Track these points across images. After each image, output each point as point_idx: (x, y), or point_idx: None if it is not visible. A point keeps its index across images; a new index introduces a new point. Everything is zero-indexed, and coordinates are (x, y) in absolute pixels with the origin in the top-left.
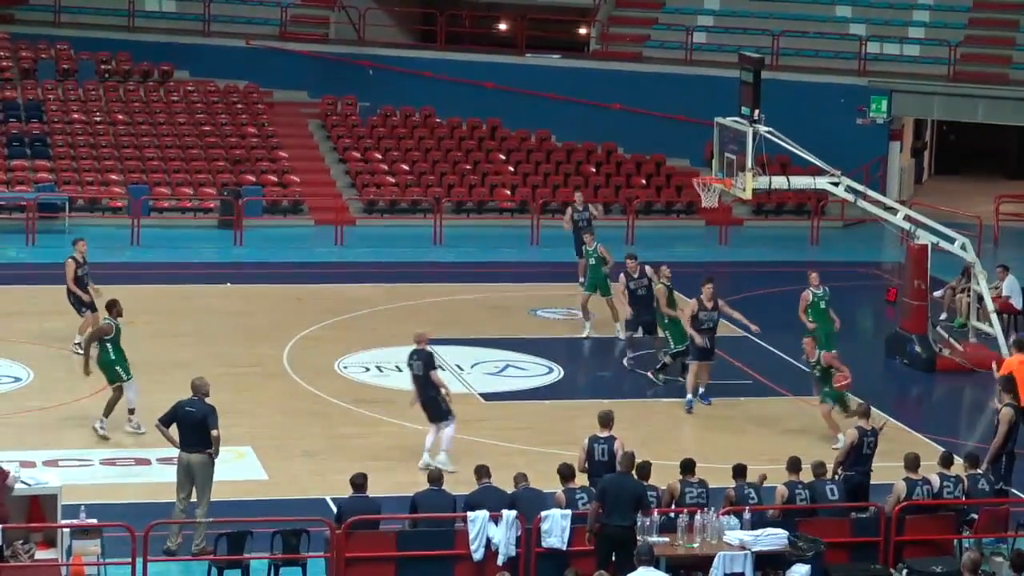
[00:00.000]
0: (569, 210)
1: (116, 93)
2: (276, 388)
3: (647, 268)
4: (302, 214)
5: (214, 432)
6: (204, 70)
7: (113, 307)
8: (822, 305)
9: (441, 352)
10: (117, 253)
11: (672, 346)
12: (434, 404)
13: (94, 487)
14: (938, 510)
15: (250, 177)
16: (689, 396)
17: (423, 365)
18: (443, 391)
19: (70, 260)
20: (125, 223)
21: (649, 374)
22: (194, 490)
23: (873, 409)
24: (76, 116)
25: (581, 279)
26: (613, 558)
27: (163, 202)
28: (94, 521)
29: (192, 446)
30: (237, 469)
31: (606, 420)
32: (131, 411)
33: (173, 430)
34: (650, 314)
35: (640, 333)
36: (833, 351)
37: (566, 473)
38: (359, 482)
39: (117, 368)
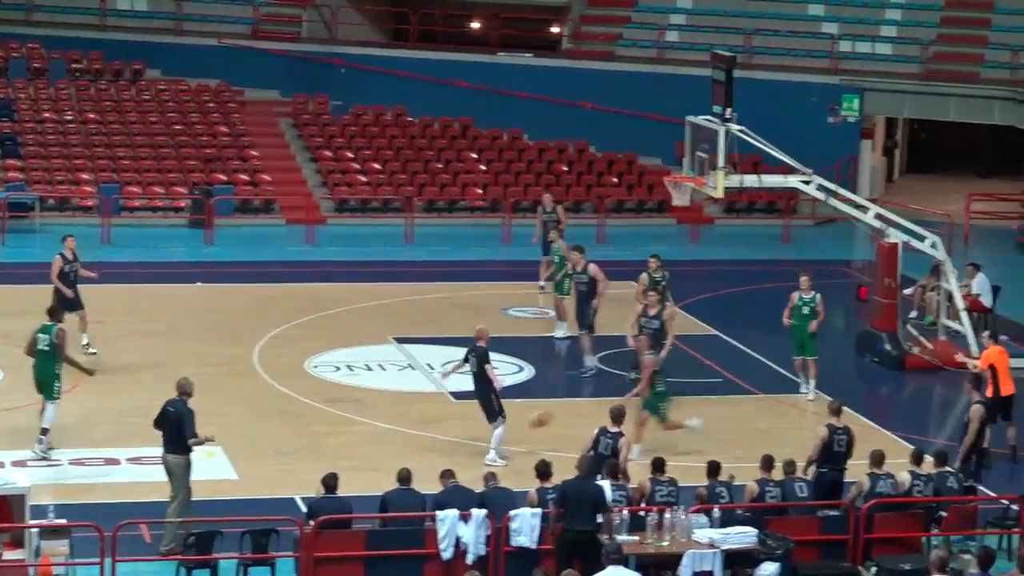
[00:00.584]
0: (539, 210)
1: (87, 92)
2: (246, 387)
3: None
4: (273, 213)
5: (189, 441)
6: (176, 69)
7: (54, 314)
8: (805, 311)
9: (412, 351)
10: (88, 252)
11: None
12: (486, 403)
13: (63, 487)
14: (907, 508)
15: (221, 176)
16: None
17: (477, 361)
18: (494, 388)
19: (57, 256)
20: (96, 222)
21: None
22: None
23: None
24: (47, 115)
25: (542, 283)
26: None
27: (134, 201)
28: (63, 521)
29: (168, 445)
30: (207, 469)
31: (617, 416)
32: (44, 431)
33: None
34: None
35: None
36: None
37: (543, 471)
38: (331, 483)
39: (57, 385)
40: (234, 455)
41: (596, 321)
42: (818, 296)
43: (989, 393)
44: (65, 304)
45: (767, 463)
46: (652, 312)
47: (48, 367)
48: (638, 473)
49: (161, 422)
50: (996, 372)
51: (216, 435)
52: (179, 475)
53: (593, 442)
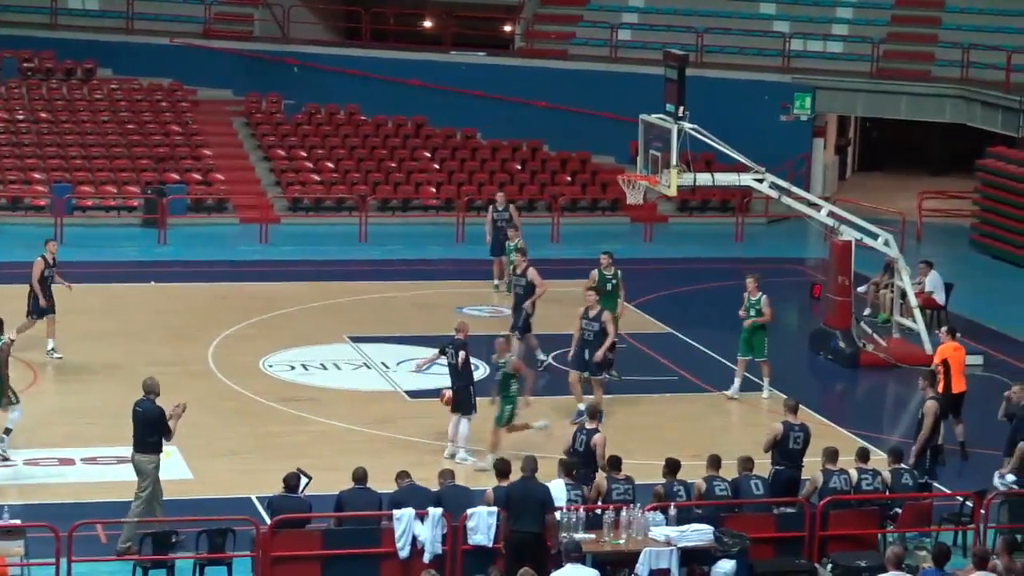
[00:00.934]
0: (490, 209)
1: (39, 91)
2: (201, 387)
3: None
4: (227, 212)
5: (167, 439)
6: (127, 68)
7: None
8: (751, 312)
9: (367, 350)
10: (40, 252)
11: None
12: (463, 395)
13: (17, 487)
14: (862, 505)
15: (174, 175)
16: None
17: (455, 353)
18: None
19: (39, 259)
20: (48, 222)
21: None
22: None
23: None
24: None
25: (496, 282)
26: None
27: (87, 201)
28: (17, 522)
29: (137, 446)
30: (162, 468)
31: (593, 413)
32: (7, 431)
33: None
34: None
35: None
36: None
37: (502, 469)
38: (293, 483)
39: (10, 393)
40: (189, 455)
41: (531, 323)
42: (764, 298)
43: (940, 389)
44: (38, 309)
45: (714, 462)
46: (592, 313)
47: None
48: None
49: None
50: (949, 368)
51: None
52: (150, 474)
53: (572, 440)
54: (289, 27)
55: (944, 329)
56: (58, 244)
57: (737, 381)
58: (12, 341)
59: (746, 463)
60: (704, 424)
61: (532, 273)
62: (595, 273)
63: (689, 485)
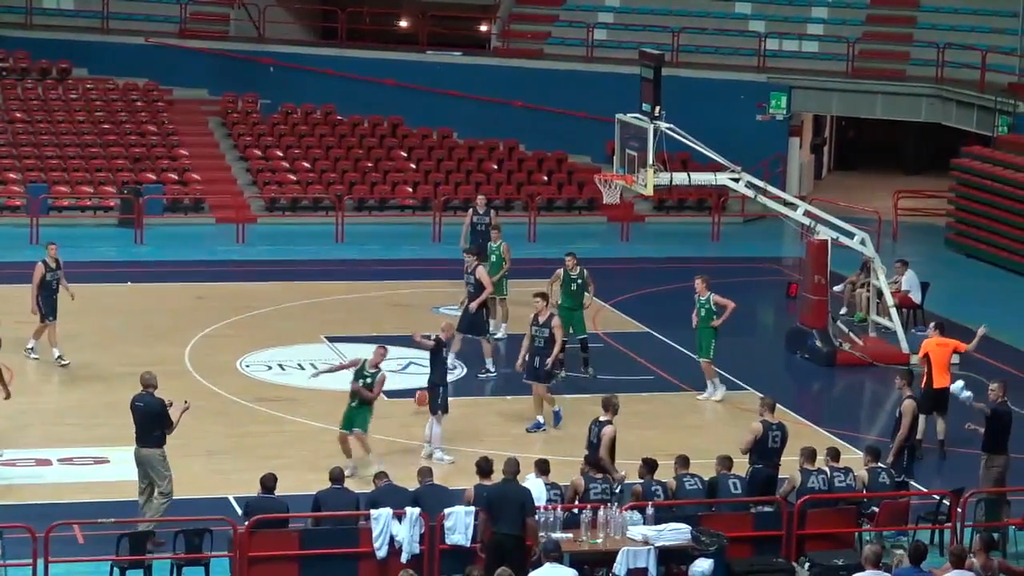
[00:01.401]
0: (469, 212)
1: (14, 91)
2: (178, 387)
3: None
4: (203, 212)
5: (169, 432)
6: (103, 68)
7: None
8: (702, 312)
9: (343, 349)
10: (16, 252)
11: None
12: (433, 394)
13: None
14: (839, 503)
15: (150, 175)
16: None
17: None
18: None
19: (39, 263)
20: (24, 222)
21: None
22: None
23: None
24: None
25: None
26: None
27: (63, 201)
28: None
29: (139, 440)
30: None
31: (607, 404)
32: None
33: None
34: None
35: None
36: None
37: (484, 468)
38: (269, 483)
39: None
40: (167, 455)
41: (475, 324)
42: (712, 296)
43: (923, 383)
44: (50, 311)
45: (683, 462)
46: (541, 319)
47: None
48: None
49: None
50: (931, 363)
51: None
52: (157, 468)
53: (588, 432)
54: (265, 27)
55: (932, 324)
56: (58, 247)
57: (710, 381)
58: None
59: (725, 462)
60: (681, 423)
61: (480, 272)
62: (560, 272)
63: (663, 484)
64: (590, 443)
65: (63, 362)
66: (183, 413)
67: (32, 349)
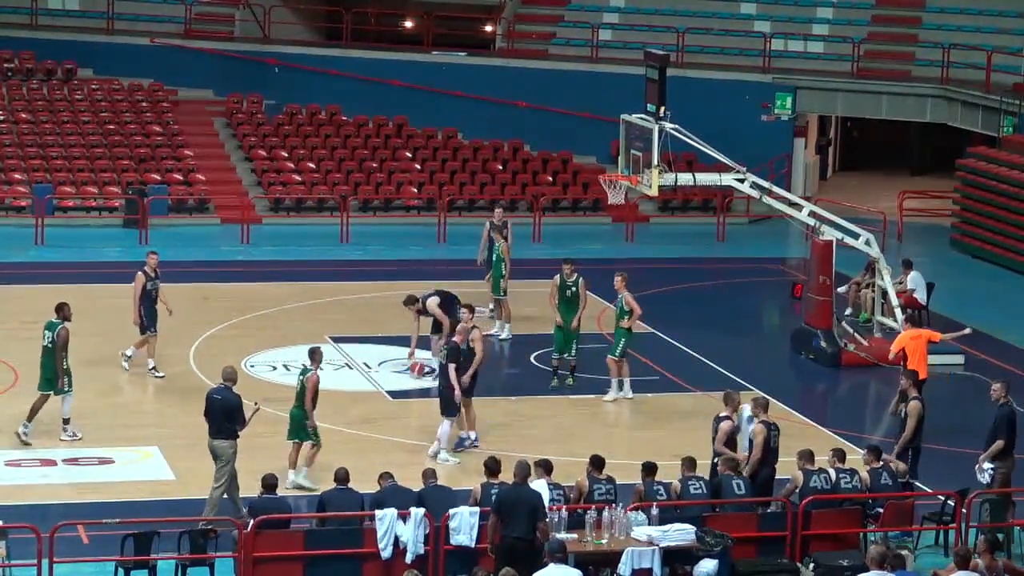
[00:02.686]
0: (487, 224)
1: (19, 92)
2: (182, 388)
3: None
4: (208, 213)
5: (240, 429)
6: (108, 68)
7: (62, 310)
8: (616, 310)
9: (349, 350)
10: (21, 253)
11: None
12: (442, 397)
13: None
14: (843, 504)
15: (155, 176)
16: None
17: (446, 356)
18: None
19: (140, 273)
20: (29, 223)
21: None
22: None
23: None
24: None
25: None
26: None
27: (68, 201)
28: None
29: (213, 432)
30: (144, 469)
31: (726, 399)
32: (66, 421)
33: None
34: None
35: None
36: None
37: (492, 467)
38: (271, 483)
39: (66, 378)
40: (171, 455)
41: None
42: (625, 296)
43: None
44: (151, 323)
45: (690, 463)
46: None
47: (48, 363)
48: None
49: (208, 410)
50: (907, 356)
51: (154, 436)
52: (229, 458)
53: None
54: (270, 27)
55: (904, 317)
56: (158, 256)
57: (620, 380)
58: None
59: (731, 462)
60: (686, 423)
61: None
62: (557, 279)
63: (668, 485)
64: (713, 438)
65: (157, 374)
66: (253, 415)
67: (155, 368)
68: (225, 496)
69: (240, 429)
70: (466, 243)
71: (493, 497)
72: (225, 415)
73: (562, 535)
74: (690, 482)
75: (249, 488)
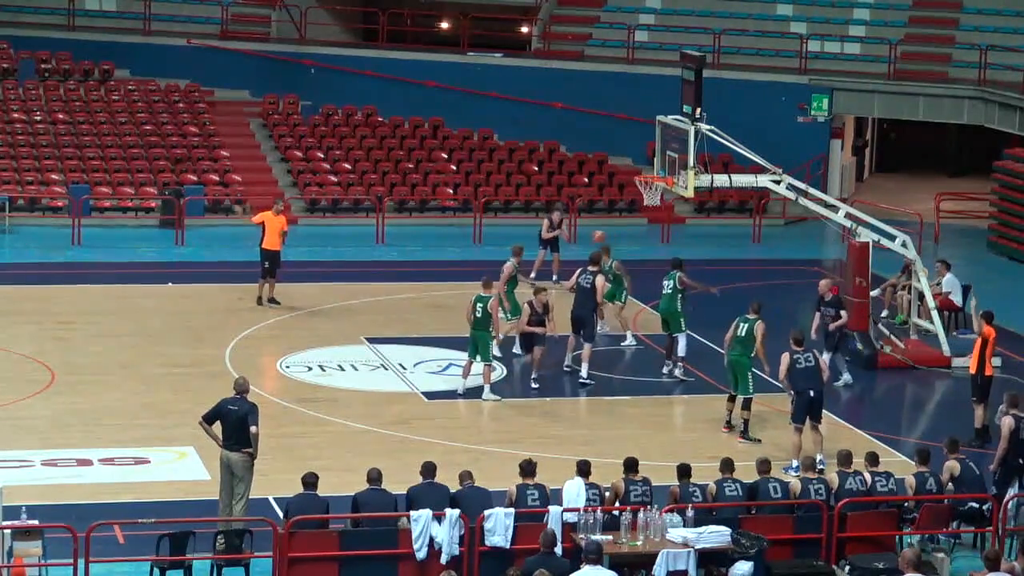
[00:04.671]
0: (546, 222)
1: (56, 92)
2: (218, 388)
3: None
4: (244, 213)
5: (253, 428)
6: (145, 69)
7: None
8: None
9: (383, 351)
10: (58, 253)
11: None
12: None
13: (35, 488)
14: (878, 506)
15: (192, 176)
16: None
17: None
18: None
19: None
20: (66, 223)
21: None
22: (233, 486)
23: None
24: (16, 115)
25: (555, 278)
26: None
27: (104, 202)
28: (35, 522)
29: (233, 444)
30: (179, 469)
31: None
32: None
33: (217, 428)
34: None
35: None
36: None
37: (527, 469)
38: (311, 480)
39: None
40: (207, 456)
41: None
42: (492, 300)
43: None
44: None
45: (727, 465)
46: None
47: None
48: None
49: (215, 419)
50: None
51: (189, 436)
52: (242, 471)
53: None
54: (306, 28)
55: (981, 313)
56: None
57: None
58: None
59: (763, 464)
60: (721, 425)
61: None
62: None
63: (703, 487)
64: None
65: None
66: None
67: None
68: (223, 505)
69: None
70: (501, 244)
71: (528, 497)
72: (242, 426)
73: (598, 536)
74: (725, 484)
75: (288, 488)
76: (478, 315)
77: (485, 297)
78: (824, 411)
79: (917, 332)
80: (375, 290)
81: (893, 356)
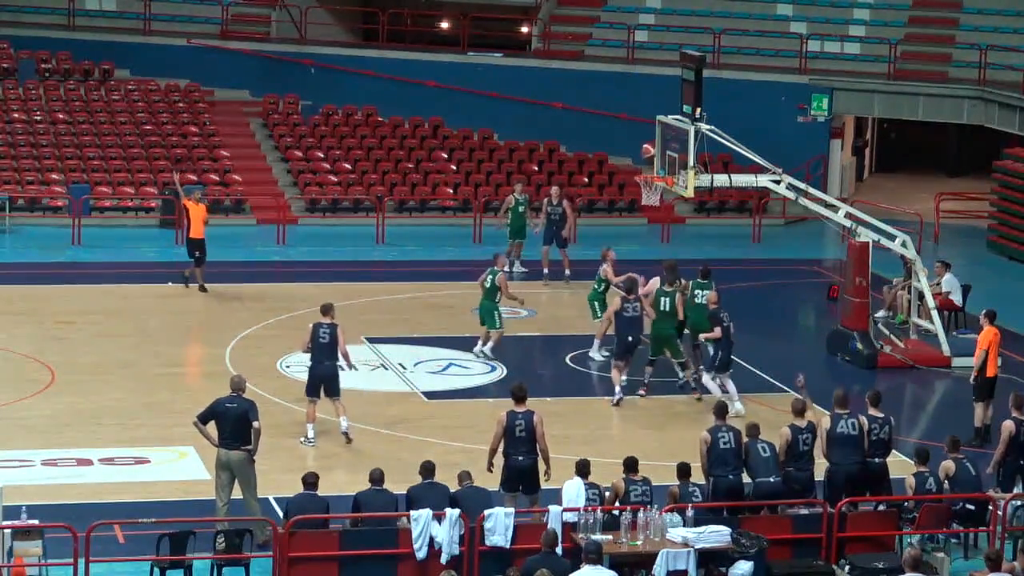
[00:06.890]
0: (544, 203)
1: (56, 92)
2: (218, 388)
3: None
4: (244, 213)
5: (255, 424)
6: (145, 69)
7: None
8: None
9: (384, 351)
10: (58, 253)
11: None
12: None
13: (35, 488)
14: (877, 506)
15: (192, 176)
16: None
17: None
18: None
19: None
20: (66, 223)
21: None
22: (239, 488)
23: None
24: (16, 115)
25: (567, 272)
26: None
27: (104, 201)
28: (35, 522)
29: (231, 443)
30: (180, 469)
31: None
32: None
33: (211, 428)
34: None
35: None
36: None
37: (518, 394)
38: (311, 480)
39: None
40: (207, 455)
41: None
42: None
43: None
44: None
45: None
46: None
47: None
48: None
49: (210, 418)
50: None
51: (189, 435)
52: (244, 470)
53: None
54: (306, 28)
55: (983, 313)
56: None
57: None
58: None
59: (753, 429)
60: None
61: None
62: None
63: (703, 487)
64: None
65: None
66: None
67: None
68: (221, 504)
69: (249, 443)
70: (501, 243)
71: (517, 430)
72: (241, 425)
73: (598, 536)
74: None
75: (288, 488)
76: (487, 285)
77: (495, 270)
78: (824, 411)
79: (917, 332)
80: (375, 290)
81: (893, 356)
